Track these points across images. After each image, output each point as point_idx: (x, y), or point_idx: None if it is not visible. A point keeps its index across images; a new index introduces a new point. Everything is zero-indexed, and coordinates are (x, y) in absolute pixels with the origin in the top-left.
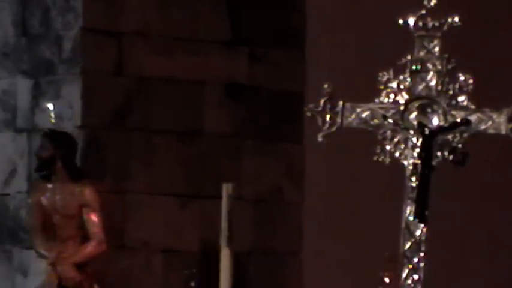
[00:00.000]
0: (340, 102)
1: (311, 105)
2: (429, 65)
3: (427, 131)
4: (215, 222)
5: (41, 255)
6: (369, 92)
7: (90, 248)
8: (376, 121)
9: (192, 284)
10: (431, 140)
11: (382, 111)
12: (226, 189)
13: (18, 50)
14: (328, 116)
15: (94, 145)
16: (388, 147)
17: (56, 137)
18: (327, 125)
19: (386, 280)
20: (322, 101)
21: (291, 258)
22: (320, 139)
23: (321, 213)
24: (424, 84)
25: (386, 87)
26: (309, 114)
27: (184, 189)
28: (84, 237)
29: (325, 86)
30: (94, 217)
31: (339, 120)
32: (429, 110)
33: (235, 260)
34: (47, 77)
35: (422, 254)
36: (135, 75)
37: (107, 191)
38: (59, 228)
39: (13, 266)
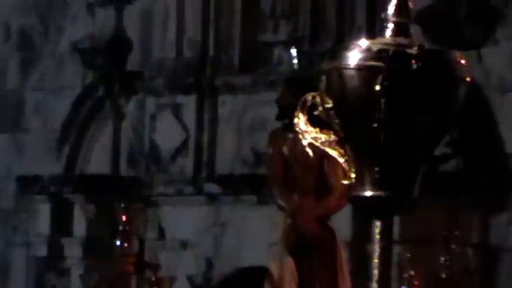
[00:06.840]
0: None
1: None
2: None
3: None
4: None
5: (281, 208)
6: None
7: (332, 201)
8: None
9: None
10: None
11: None
12: None
13: None
14: None
15: None
16: None
17: (295, 84)
18: None
19: None
20: None
21: None
22: None
23: None
24: None
25: None
26: None
27: None
28: (324, 190)
29: None
30: (336, 169)
31: None
32: None
33: None
34: None
35: None
36: None
37: None
38: (299, 180)
39: None
